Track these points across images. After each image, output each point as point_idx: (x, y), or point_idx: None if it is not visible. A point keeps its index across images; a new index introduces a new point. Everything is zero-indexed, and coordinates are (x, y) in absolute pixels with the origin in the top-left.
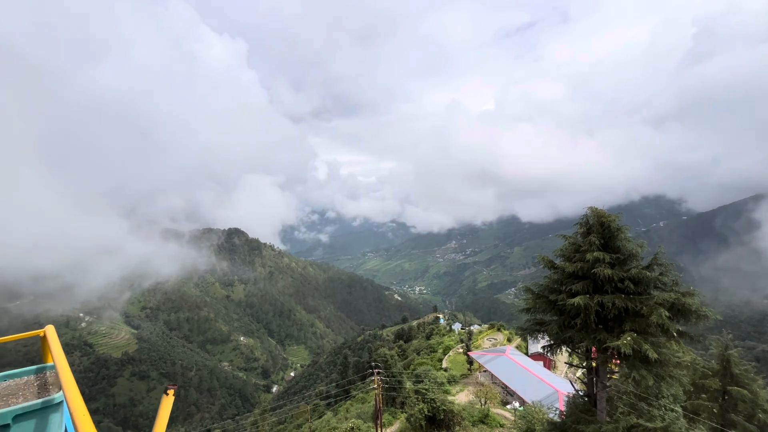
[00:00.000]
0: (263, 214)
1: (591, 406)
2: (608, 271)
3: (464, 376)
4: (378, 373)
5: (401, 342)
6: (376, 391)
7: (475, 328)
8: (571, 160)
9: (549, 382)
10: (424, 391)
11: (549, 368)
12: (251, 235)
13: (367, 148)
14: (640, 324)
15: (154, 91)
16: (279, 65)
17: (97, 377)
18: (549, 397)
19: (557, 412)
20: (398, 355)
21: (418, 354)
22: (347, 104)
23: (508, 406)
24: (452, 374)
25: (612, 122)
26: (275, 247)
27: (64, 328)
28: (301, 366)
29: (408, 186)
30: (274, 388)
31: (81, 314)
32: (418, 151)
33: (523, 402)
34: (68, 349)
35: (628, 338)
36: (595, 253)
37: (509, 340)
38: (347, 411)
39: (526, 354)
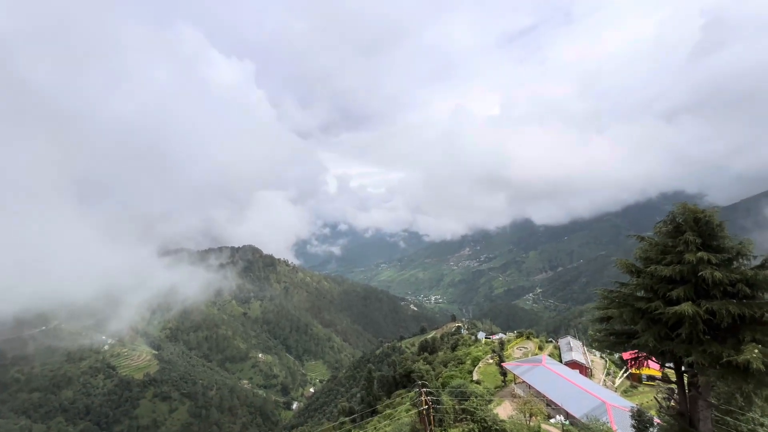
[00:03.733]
0: (276, 229)
1: (687, 426)
2: (718, 274)
3: (498, 388)
4: (428, 392)
5: (426, 354)
6: (424, 410)
7: (499, 336)
8: (583, 159)
9: (594, 393)
10: (472, 409)
11: (587, 377)
12: (265, 251)
13: (375, 159)
14: (763, 333)
15: (167, 117)
16: (286, 83)
17: (120, 399)
18: (596, 409)
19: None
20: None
21: (446, 366)
22: (354, 117)
23: (552, 420)
24: (486, 387)
25: (623, 118)
26: (289, 263)
27: (88, 351)
28: (320, 381)
29: (418, 195)
30: (294, 405)
31: (104, 336)
32: (426, 159)
33: (568, 415)
34: (92, 372)
35: (756, 351)
36: (698, 254)
37: (540, 349)
38: (375, 429)
39: (560, 362)
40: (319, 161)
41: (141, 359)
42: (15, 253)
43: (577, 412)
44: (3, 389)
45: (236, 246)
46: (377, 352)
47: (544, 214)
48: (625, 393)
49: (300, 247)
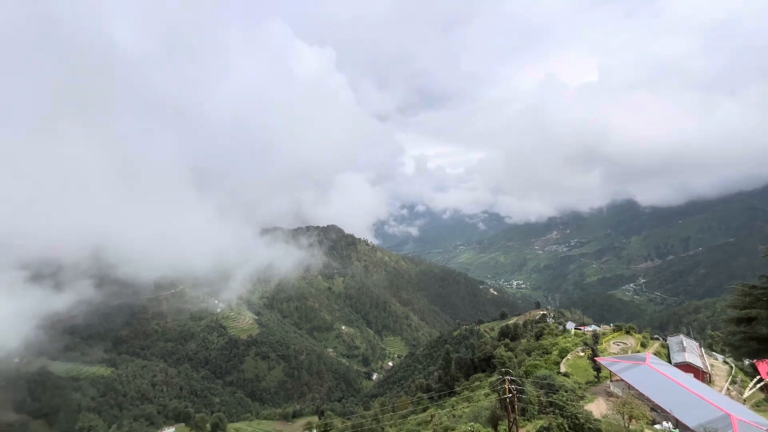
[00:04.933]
0: (357, 210)
1: None
2: None
3: (590, 384)
4: (511, 380)
5: (507, 340)
6: (508, 398)
7: (592, 328)
8: (705, 127)
9: (714, 401)
10: (561, 402)
11: (704, 383)
12: (347, 230)
13: (453, 138)
14: None
15: (262, 108)
16: (365, 66)
17: (230, 354)
18: (717, 421)
19: None
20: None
21: (529, 355)
22: (432, 96)
23: (658, 427)
24: (576, 381)
25: (764, 75)
26: (369, 242)
27: (206, 312)
28: (398, 356)
29: (500, 174)
30: (374, 376)
31: (216, 301)
32: (509, 136)
33: (677, 423)
34: (209, 330)
35: None
36: None
37: (643, 346)
38: (453, 408)
39: (669, 363)
40: (397, 142)
41: (245, 323)
42: (153, 231)
43: (690, 422)
44: (147, 338)
45: (322, 226)
46: (455, 333)
47: (652, 194)
48: (757, 407)
49: (379, 228)
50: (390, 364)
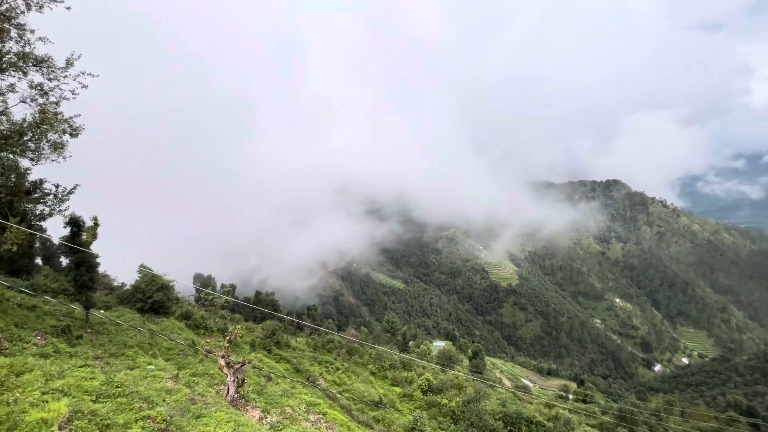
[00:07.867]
0: (652, 161)
1: None
2: None
3: None
4: None
5: None
6: None
7: None
8: None
9: None
10: None
11: None
12: (634, 187)
13: None
14: None
15: (538, 55)
16: None
17: (490, 298)
18: None
19: None
20: None
21: None
22: None
23: None
24: None
25: None
26: (668, 203)
27: (472, 255)
28: (700, 356)
29: None
30: (657, 367)
31: (481, 247)
32: None
33: None
34: (473, 271)
35: None
36: None
37: None
38: None
39: None
40: (738, 60)
41: (506, 271)
42: (438, 184)
43: None
44: (427, 267)
45: (598, 180)
46: None
47: None
48: None
49: (687, 185)
50: (685, 360)
